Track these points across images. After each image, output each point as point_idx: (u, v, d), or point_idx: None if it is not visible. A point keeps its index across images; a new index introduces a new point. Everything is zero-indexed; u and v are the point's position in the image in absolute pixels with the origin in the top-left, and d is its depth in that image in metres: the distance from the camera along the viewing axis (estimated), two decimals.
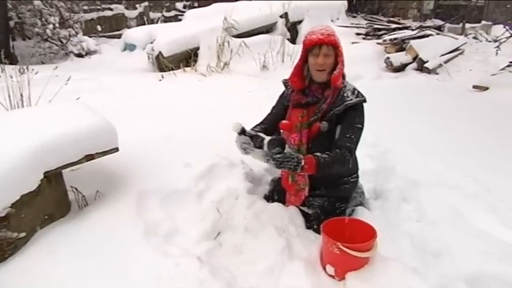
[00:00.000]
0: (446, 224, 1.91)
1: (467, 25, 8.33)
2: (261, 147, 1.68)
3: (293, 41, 6.78)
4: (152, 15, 10.06)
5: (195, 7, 9.31)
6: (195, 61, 5.61)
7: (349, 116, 1.83)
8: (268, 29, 6.91)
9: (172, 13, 10.44)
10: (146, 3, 9.99)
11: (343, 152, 1.77)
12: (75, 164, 1.84)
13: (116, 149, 1.98)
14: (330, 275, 1.62)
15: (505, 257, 1.66)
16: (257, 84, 4.78)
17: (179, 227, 1.86)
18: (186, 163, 2.28)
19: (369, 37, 7.62)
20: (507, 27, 5.08)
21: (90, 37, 7.64)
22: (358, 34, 7.90)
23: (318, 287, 1.59)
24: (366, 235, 1.61)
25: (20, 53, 7.28)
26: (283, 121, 1.93)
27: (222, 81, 4.99)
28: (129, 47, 6.86)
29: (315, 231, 1.89)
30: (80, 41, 7.18)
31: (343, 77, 1.90)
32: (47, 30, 7.00)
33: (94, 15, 9.02)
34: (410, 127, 3.39)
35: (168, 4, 10.44)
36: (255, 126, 2.04)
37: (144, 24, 8.78)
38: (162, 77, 5.12)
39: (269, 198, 2.10)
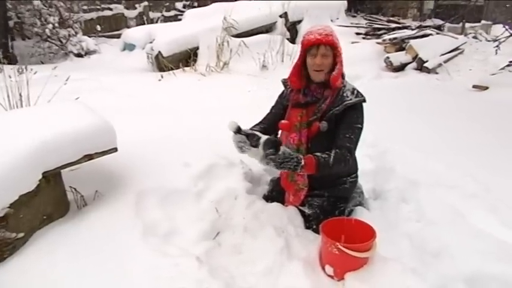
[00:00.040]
0: (445, 224, 1.90)
1: (467, 25, 8.33)
2: (257, 146, 1.68)
3: (293, 40, 6.78)
4: (152, 15, 10.05)
5: (194, 7, 9.30)
6: (195, 61, 5.61)
7: (348, 116, 1.83)
8: (267, 29, 6.91)
9: (172, 13, 10.43)
10: (146, 3, 9.99)
11: (343, 152, 1.76)
12: (74, 164, 1.83)
13: (115, 149, 1.97)
14: (329, 275, 1.62)
15: (504, 257, 1.66)
16: (256, 84, 4.77)
17: (178, 227, 1.86)
18: (185, 163, 2.27)
19: (368, 37, 7.62)
20: (506, 27, 5.08)
21: (89, 37, 7.64)
22: (357, 34, 7.89)
23: (317, 287, 1.58)
24: (365, 235, 1.61)
25: (20, 53, 7.28)
26: (283, 121, 1.93)
27: (221, 81, 4.99)
28: (129, 47, 6.86)
29: (314, 231, 1.89)
30: (79, 41, 7.18)
31: (343, 76, 1.90)
32: (46, 30, 7.00)
33: (93, 15, 9.02)
34: (409, 127, 3.38)
35: (167, 4, 10.43)
36: (254, 126, 2.04)
37: (144, 24, 8.77)
38: (162, 76, 5.12)
39: (268, 198, 2.10)
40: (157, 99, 4.16)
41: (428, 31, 6.77)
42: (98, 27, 8.50)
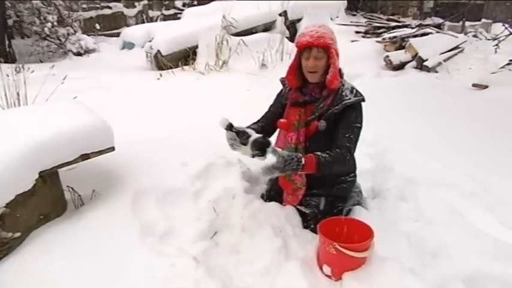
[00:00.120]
0: (444, 224, 1.90)
1: (467, 23, 8.31)
2: (246, 144, 1.68)
3: (292, 39, 6.77)
4: (151, 13, 10.04)
5: (194, 5, 9.28)
6: (194, 59, 5.61)
7: (347, 115, 1.82)
8: (267, 27, 6.90)
9: (172, 11, 10.41)
10: (145, 2, 9.97)
11: (343, 152, 1.75)
12: (70, 164, 1.83)
13: (112, 149, 1.97)
14: (327, 275, 1.61)
15: (502, 256, 1.65)
16: (256, 83, 4.77)
17: (175, 227, 1.85)
18: (183, 162, 2.27)
19: (368, 35, 7.60)
20: (506, 25, 5.07)
21: (88, 35, 7.63)
22: (357, 32, 7.87)
23: (315, 287, 1.58)
24: (363, 235, 1.60)
25: (19, 52, 7.27)
26: (281, 119, 1.92)
27: (220, 79, 4.98)
28: (128, 46, 6.85)
29: (312, 230, 1.88)
30: (78, 40, 7.17)
31: (341, 76, 1.89)
32: (45, 29, 6.99)
33: (93, 13, 9.00)
34: (409, 126, 3.37)
35: (167, 2, 10.41)
36: (252, 124, 2.03)
37: (143, 22, 8.75)
38: (161, 75, 5.12)
39: (266, 197, 2.10)
40: (156, 98, 4.15)
41: (428, 30, 6.74)
42: (97, 26, 8.49)
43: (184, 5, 10.31)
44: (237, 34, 5.97)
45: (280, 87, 2.09)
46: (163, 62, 5.52)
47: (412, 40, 6.05)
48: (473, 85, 4.62)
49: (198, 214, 1.93)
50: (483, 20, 9.02)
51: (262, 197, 2.12)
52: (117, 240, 1.75)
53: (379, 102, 3.74)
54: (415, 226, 1.94)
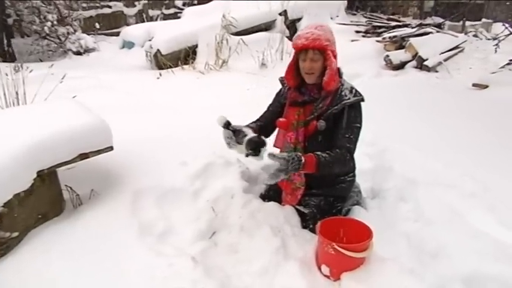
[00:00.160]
0: (443, 224, 1.89)
1: (468, 23, 8.29)
2: (241, 143, 1.68)
3: (292, 38, 6.76)
4: (151, 12, 10.03)
5: (194, 4, 9.28)
6: (194, 59, 5.60)
7: (347, 115, 1.81)
8: (267, 27, 6.89)
9: (172, 10, 10.41)
10: (145, 1, 9.96)
11: (343, 153, 1.75)
12: (69, 163, 1.83)
13: (111, 148, 1.96)
14: (325, 275, 1.60)
15: (502, 257, 1.64)
16: (256, 82, 4.76)
17: (174, 226, 1.85)
18: (182, 161, 2.26)
19: (368, 35, 7.59)
20: (506, 25, 5.06)
21: (88, 35, 7.63)
22: (357, 32, 7.86)
23: (313, 287, 1.57)
24: (361, 235, 1.60)
25: (18, 51, 7.27)
26: (280, 119, 1.92)
27: (220, 79, 4.98)
28: (128, 45, 6.84)
29: (311, 230, 1.87)
30: (78, 39, 7.17)
31: (340, 75, 1.88)
32: (45, 28, 6.98)
33: (93, 12, 9.01)
34: (409, 125, 3.37)
35: (167, 1, 10.40)
36: (251, 123, 2.02)
37: (143, 21, 8.75)
38: (160, 74, 5.12)
39: (265, 197, 2.09)
40: (155, 98, 4.15)
41: (428, 29, 6.73)
42: (97, 25, 8.48)
43: (184, 4, 10.31)
44: (237, 33, 5.96)
45: (280, 86, 2.09)
46: (163, 61, 5.52)
47: (412, 40, 6.04)
48: (474, 85, 4.61)
49: (196, 214, 1.93)
50: (483, 20, 9.00)
51: (261, 196, 2.11)
52: (115, 240, 1.74)
53: (379, 101, 3.73)
54: (415, 226, 1.93)
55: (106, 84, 4.52)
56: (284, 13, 7.08)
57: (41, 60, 6.73)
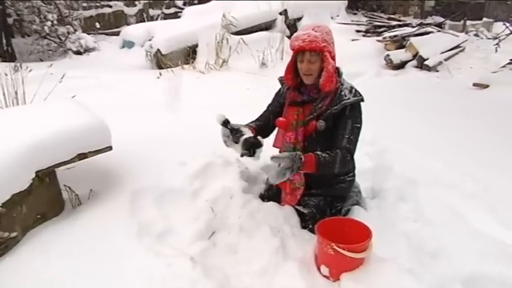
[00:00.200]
0: (443, 224, 1.88)
1: (469, 22, 8.27)
2: (238, 142, 1.68)
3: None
4: (152, 12, 10.02)
5: (194, 4, 9.27)
6: (194, 58, 5.60)
7: (347, 115, 1.80)
8: (267, 26, 6.88)
9: (172, 10, 10.40)
10: (146, 0, 9.96)
11: (343, 153, 1.74)
12: (67, 163, 1.82)
13: (109, 148, 1.96)
14: (325, 276, 1.59)
15: (502, 257, 1.64)
16: (256, 82, 4.76)
17: (173, 227, 1.84)
18: (182, 161, 2.26)
19: (368, 34, 7.59)
20: (507, 24, 5.04)
21: (88, 34, 7.62)
22: (358, 31, 7.86)
23: None
24: (361, 235, 1.59)
25: (19, 50, 7.27)
26: (280, 118, 1.91)
27: (220, 78, 4.97)
28: (128, 44, 6.84)
29: (310, 230, 1.86)
30: (78, 38, 7.17)
31: (340, 75, 1.87)
32: (45, 28, 6.98)
33: (93, 12, 9.00)
34: (409, 125, 3.36)
35: (167, 1, 10.40)
36: (251, 122, 2.02)
37: (144, 21, 8.75)
38: (160, 74, 5.11)
39: (264, 197, 2.08)
40: (155, 97, 4.14)
41: (429, 29, 6.72)
42: (97, 25, 8.48)
43: (185, 3, 10.31)
44: (237, 33, 5.95)
45: (279, 86, 2.08)
46: (163, 61, 5.51)
47: (412, 39, 6.03)
48: (474, 84, 4.60)
49: (195, 214, 1.92)
50: (484, 19, 8.98)
51: (260, 196, 2.10)
52: (114, 240, 1.74)
53: (380, 101, 3.72)
54: (414, 226, 1.92)
55: (106, 84, 4.51)
56: (284, 12, 7.08)
57: (41, 60, 6.73)
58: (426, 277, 1.58)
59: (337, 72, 1.86)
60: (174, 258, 1.62)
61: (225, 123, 1.72)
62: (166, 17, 9.82)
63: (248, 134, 1.68)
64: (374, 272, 1.53)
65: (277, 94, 2.07)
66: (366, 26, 7.97)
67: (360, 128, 1.84)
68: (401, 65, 5.80)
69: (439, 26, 7.23)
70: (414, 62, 5.79)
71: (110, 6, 9.39)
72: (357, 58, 5.75)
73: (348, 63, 4.96)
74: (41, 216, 1.81)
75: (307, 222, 1.90)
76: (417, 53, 5.80)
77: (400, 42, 6.25)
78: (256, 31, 6.44)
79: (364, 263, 1.56)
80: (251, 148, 1.64)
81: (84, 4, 8.76)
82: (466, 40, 6.72)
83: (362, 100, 1.84)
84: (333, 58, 1.80)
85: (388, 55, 5.81)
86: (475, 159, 2.63)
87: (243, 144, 1.65)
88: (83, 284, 1.54)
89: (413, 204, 2.09)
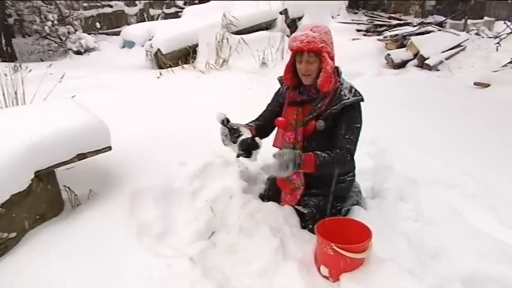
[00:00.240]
0: (444, 224, 1.87)
1: (470, 21, 8.25)
2: (235, 142, 1.68)
3: None
4: (152, 11, 10.03)
5: (195, 3, 9.27)
6: (194, 58, 5.59)
7: (346, 115, 1.80)
8: (268, 26, 6.88)
9: (173, 10, 10.41)
10: (146, 0, 9.96)
11: (343, 153, 1.74)
12: (67, 163, 1.82)
13: (109, 148, 1.96)
14: (324, 276, 1.59)
15: (502, 257, 1.63)
16: (256, 81, 4.75)
17: (172, 227, 1.84)
18: (181, 161, 2.26)
19: (369, 33, 7.58)
20: (508, 23, 5.03)
21: (89, 34, 7.63)
22: (358, 30, 7.85)
23: None
24: (361, 235, 1.58)
25: (19, 51, 7.28)
26: (279, 118, 1.90)
27: (220, 78, 4.97)
28: (128, 44, 6.84)
29: (310, 231, 1.86)
30: (78, 38, 7.17)
31: (339, 75, 1.86)
32: (46, 28, 6.99)
33: (94, 12, 9.01)
34: (410, 124, 3.35)
35: (168, 1, 10.40)
36: (250, 122, 2.01)
37: (144, 21, 8.75)
38: (160, 74, 5.11)
39: (264, 197, 2.08)
40: (156, 97, 4.14)
41: (429, 28, 6.70)
42: (98, 25, 8.48)
43: (185, 3, 10.31)
44: (238, 32, 5.95)
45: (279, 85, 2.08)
46: (163, 61, 5.51)
47: (413, 38, 6.01)
48: (475, 83, 4.58)
49: (195, 214, 1.92)
50: (486, 18, 8.95)
51: (260, 196, 2.10)
52: (114, 240, 1.74)
53: (380, 100, 3.72)
54: (415, 226, 1.91)
55: (106, 84, 4.51)
56: (285, 12, 7.07)
57: (42, 60, 6.74)
58: (426, 277, 1.58)
59: (337, 72, 1.85)
60: (173, 258, 1.62)
61: (225, 122, 1.72)
62: (167, 16, 9.84)
63: (246, 134, 1.68)
64: (374, 273, 1.53)
65: (276, 94, 2.06)
66: (367, 25, 7.96)
67: (359, 128, 1.83)
68: (402, 64, 5.79)
69: (440, 25, 7.21)
70: (415, 61, 5.77)
71: (111, 6, 9.40)
72: (358, 57, 5.74)
73: (348, 63, 4.95)
74: (40, 217, 1.80)
75: (307, 222, 1.90)
76: (418, 52, 5.78)
77: (400, 42, 6.23)
78: (257, 30, 6.43)
79: (364, 263, 1.56)
80: (248, 149, 1.64)
81: (85, 4, 8.77)
82: (467, 39, 6.69)
83: (362, 100, 1.84)
84: (332, 58, 1.79)
85: (388, 54, 5.80)
86: (476, 159, 2.62)
87: (240, 144, 1.65)
88: (82, 284, 1.54)
89: (414, 204, 2.08)
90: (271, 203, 1.96)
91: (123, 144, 2.28)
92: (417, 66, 5.71)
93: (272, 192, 2.07)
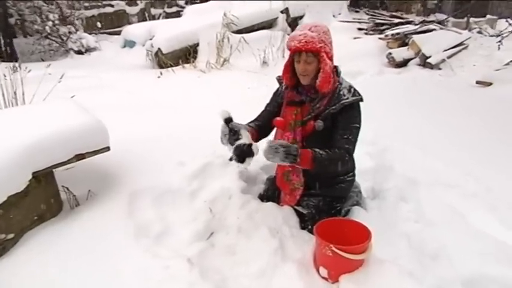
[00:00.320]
0: (444, 225, 1.86)
1: (472, 19, 8.20)
2: (232, 144, 1.67)
3: None
4: (153, 11, 10.02)
5: (196, 3, 9.26)
6: (195, 57, 5.58)
7: (345, 115, 1.78)
8: (269, 25, 6.86)
9: (174, 9, 10.40)
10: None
11: (342, 153, 1.72)
12: (65, 164, 1.81)
13: (107, 149, 1.95)
14: (323, 278, 1.58)
15: (503, 258, 1.62)
16: (257, 81, 4.74)
17: (171, 228, 1.83)
18: (180, 162, 2.25)
19: (371, 32, 7.54)
20: (511, 22, 4.99)
21: (90, 34, 7.63)
22: (360, 29, 7.82)
23: None
24: (360, 236, 1.57)
25: (20, 50, 7.29)
26: (278, 118, 1.89)
27: (221, 77, 4.96)
28: (129, 44, 6.85)
29: (309, 231, 1.84)
30: (79, 38, 7.18)
31: (338, 74, 1.85)
32: (47, 27, 6.99)
33: (95, 11, 9.01)
34: (411, 123, 3.33)
35: (169, 0, 10.39)
36: (250, 122, 2.00)
37: (146, 20, 8.75)
38: (161, 73, 5.10)
39: (263, 197, 2.06)
40: (156, 97, 4.14)
41: (431, 26, 6.67)
42: (99, 24, 8.49)
43: (186, 2, 10.30)
44: (238, 31, 5.93)
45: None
46: (163, 60, 5.50)
47: (415, 37, 5.98)
48: (477, 82, 4.55)
49: (194, 214, 1.91)
50: (488, 16, 8.88)
51: (259, 197, 2.08)
52: (112, 241, 1.73)
53: (382, 99, 3.70)
54: (415, 227, 1.89)
55: (107, 84, 4.51)
56: (286, 11, 7.05)
57: (43, 60, 6.74)
58: (427, 279, 1.56)
59: (336, 71, 1.84)
60: (171, 260, 1.61)
61: (227, 120, 1.70)
62: (168, 16, 9.84)
63: (245, 139, 1.65)
64: (373, 274, 1.51)
65: (275, 94, 2.05)
66: (368, 24, 7.92)
67: (358, 128, 1.81)
68: (403, 63, 5.76)
69: (442, 23, 7.17)
70: (417, 60, 5.74)
71: (112, 6, 9.40)
72: (359, 56, 5.72)
73: (349, 62, 4.93)
74: (38, 217, 1.80)
75: (306, 222, 1.88)
76: (420, 50, 5.75)
77: (402, 40, 6.20)
78: (258, 30, 6.42)
79: (364, 265, 1.54)
80: (241, 156, 1.62)
81: (86, 4, 8.77)
82: (469, 37, 6.66)
83: (361, 100, 1.82)
84: (330, 58, 1.77)
85: (390, 53, 5.77)
86: (477, 158, 2.60)
87: (234, 149, 1.64)
88: (80, 285, 1.54)
89: (414, 205, 2.06)
90: (270, 204, 1.95)
91: (123, 144, 2.27)
92: (419, 65, 5.68)
93: (271, 193, 2.06)
